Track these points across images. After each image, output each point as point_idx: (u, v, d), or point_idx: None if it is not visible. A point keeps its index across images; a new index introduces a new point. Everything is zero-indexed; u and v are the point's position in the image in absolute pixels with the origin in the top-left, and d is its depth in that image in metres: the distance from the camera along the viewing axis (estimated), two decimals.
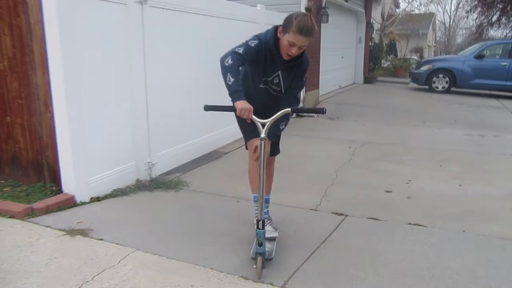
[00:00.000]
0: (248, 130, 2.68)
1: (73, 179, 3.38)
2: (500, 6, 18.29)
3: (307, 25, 2.37)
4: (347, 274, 2.50)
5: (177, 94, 4.48)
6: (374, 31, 17.10)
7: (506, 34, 19.92)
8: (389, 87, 13.61)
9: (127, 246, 2.75)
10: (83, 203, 3.43)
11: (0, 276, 2.37)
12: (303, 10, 2.52)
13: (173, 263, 2.57)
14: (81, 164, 3.40)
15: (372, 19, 15.15)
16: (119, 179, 3.78)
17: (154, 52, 4.04)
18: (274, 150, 2.92)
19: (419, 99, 10.69)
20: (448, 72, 11.90)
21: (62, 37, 3.13)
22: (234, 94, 2.37)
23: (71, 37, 3.20)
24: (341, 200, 3.70)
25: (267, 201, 2.90)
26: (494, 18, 19.20)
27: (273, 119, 2.46)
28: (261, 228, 2.41)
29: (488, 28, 20.36)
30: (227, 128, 5.27)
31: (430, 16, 29.62)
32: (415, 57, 23.18)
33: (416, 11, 24.40)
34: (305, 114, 7.69)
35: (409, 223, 3.23)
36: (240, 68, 2.52)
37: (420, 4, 33.61)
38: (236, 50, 2.45)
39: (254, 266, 2.45)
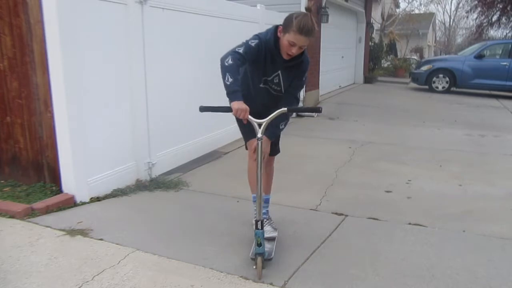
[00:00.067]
0: (248, 130, 2.68)
1: (73, 179, 3.38)
2: (500, 6, 18.29)
3: (307, 25, 2.37)
4: (347, 274, 2.50)
5: (177, 94, 4.48)
6: (374, 31, 17.10)
7: (506, 34, 19.92)
8: (389, 87, 13.61)
9: (127, 246, 2.75)
10: (83, 203, 3.43)
11: (0, 276, 2.37)
12: (303, 10, 2.52)
13: (173, 263, 2.57)
14: (81, 164, 3.40)
15: (372, 19, 15.15)
16: (119, 179, 3.78)
17: (154, 52, 4.04)
18: (274, 150, 2.92)
19: (419, 99, 10.69)
20: (448, 72, 11.90)
21: (62, 37, 3.13)
22: (231, 94, 2.36)
23: (71, 37, 3.20)
24: (341, 200, 3.70)
25: (267, 201, 2.91)
26: (494, 18, 19.22)
27: (269, 119, 2.46)
28: (259, 228, 2.41)
29: (488, 28, 20.37)
30: (227, 128, 5.26)
31: (430, 16, 29.63)
32: (415, 57, 23.18)
33: (416, 11, 24.44)
34: (305, 114, 7.70)
35: (409, 223, 3.23)
36: (240, 68, 2.52)
37: (420, 4, 33.70)
38: (237, 50, 2.45)
39: (254, 267, 2.45)
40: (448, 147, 5.73)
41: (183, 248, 2.77)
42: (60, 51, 3.15)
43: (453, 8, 44.65)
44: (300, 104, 7.11)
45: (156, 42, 4.06)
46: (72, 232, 2.90)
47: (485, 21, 19.73)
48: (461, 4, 31.48)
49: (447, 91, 11.92)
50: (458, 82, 11.81)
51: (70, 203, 3.37)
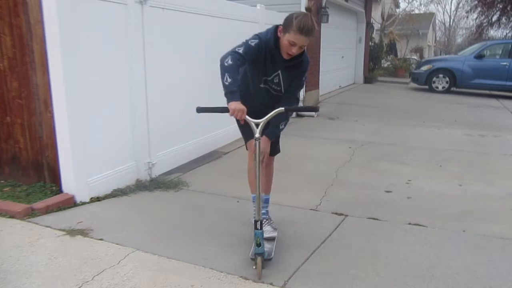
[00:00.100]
0: (247, 130, 2.68)
1: (73, 179, 3.38)
2: (500, 6, 18.29)
3: (308, 24, 2.37)
4: (347, 274, 2.50)
5: (177, 94, 4.48)
6: (374, 31, 17.11)
7: (506, 34, 19.91)
8: (389, 87, 13.61)
9: (127, 246, 2.75)
10: (83, 203, 3.43)
11: (0, 276, 2.37)
12: (303, 10, 2.52)
13: (173, 263, 2.57)
14: (81, 164, 3.40)
15: (372, 19, 15.15)
16: (119, 179, 3.78)
17: (154, 52, 4.04)
18: (274, 150, 2.92)
19: (419, 99, 10.69)
20: (448, 72, 11.90)
21: (62, 37, 3.13)
22: (229, 94, 2.35)
23: (71, 37, 3.20)
24: (341, 200, 3.70)
25: (266, 201, 2.91)
26: (494, 18, 19.22)
27: (266, 119, 2.46)
28: (259, 228, 2.41)
29: (488, 28, 20.37)
30: (227, 128, 5.26)
31: (430, 16, 29.63)
32: (415, 57, 23.19)
33: (416, 11, 24.44)
34: (305, 114, 7.70)
35: (409, 223, 3.23)
36: (240, 68, 2.51)
37: (420, 4, 33.71)
38: (237, 50, 2.45)
39: (254, 267, 2.45)
40: (448, 147, 5.73)
41: (183, 248, 2.77)
42: (60, 51, 3.15)
43: (453, 8, 44.71)
44: (300, 104, 7.11)
45: (156, 42, 4.06)
46: (72, 232, 2.90)
47: (485, 21, 19.74)
48: (461, 4, 31.52)
49: (447, 91, 11.92)
50: (458, 82, 11.81)
51: (70, 203, 3.37)
